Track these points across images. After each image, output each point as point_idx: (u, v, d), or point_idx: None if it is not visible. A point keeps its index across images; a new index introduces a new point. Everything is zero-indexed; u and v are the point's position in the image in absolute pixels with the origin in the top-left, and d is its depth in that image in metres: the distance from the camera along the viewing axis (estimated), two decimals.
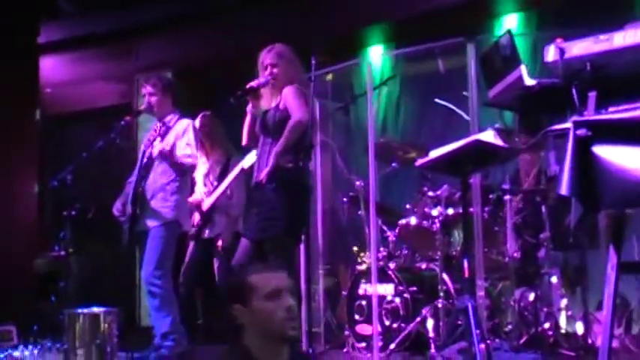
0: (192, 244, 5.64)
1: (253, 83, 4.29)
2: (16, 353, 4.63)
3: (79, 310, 4.32)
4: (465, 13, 6.11)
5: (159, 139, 4.72)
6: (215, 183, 5.52)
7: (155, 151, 4.71)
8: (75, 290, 5.82)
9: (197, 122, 5.53)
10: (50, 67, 7.88)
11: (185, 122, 4.85)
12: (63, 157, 7.24)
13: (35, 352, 4.45)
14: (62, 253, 5.74)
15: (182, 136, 4.74)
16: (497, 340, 4.47)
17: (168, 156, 4.66)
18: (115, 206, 4.86)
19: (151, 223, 4.69)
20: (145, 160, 4.79)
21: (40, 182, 6.81)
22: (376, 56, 6.68)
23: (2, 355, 4.37)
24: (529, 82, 3.07)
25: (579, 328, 4.27)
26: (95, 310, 4.32)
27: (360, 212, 5.37)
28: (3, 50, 6.32)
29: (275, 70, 4.18)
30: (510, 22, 6.10)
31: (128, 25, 7.54)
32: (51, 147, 7.66)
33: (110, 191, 5.15)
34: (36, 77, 7.01)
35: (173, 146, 4.68)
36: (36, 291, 6.25)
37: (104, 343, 4.20)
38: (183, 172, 4.76)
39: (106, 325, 4.25)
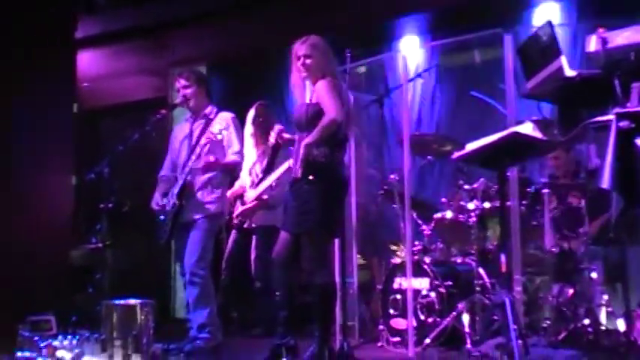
0: (233, 233, 5.68)
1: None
2: (56, 342, 4.67)
3: (116, 302, 4.36)
4: (502, 3, 6.01)
5: (199, 133, 4.75)
6: (260, 175, 5.50)
7: (196, 161, 4.69)
8: (111, 282, 5.88)
9: (251, 112, 5.55)
10: (87, 62, 7.97)
11: (227, 115, 4.85)
12: (99, 150, 7.33)
13: (74, 342, 4.49)
14: (99, 245, 5.80)
15: (227, 130, 4.74)
16: (534, 337, 4.40)
17: (214, 167, 4.69)
18: (154, 200, 4.86)
19: (195, 215, 4.70)
20: (187, 155, 4.77)
21: (76, 175, 6.88)
22: (411, 48, 6.61)
23: (43, 344, 4.42)
24: (569, 73, 3.02)
25: (620, 324, 4.18)
26: (131, 301, 4.35)
27: (394, 206, 5.33)
28: (41, 46, 6.39)
29: (308, 62, 4.13)
30: (548, 12, 5.98)
31: (163, 19, 7.58)
32: (87, 140, 7.75)
33: (146, 184, 5.18)
34: (73, 72, 7.09)
35: (219, 142, 4.67)
36: (73, 282, 6.33)
37: (140, 333, 4.24)
38: (236, 170, 4.85)
39: (142, 316, 4.28)
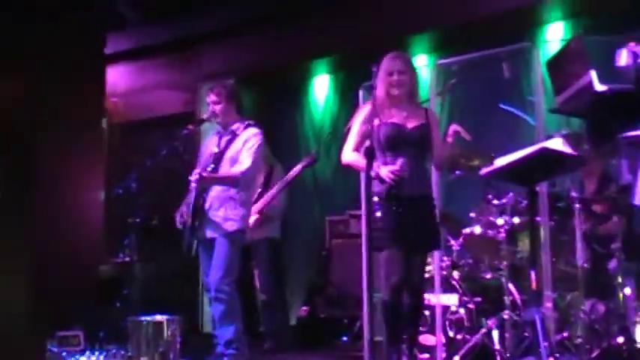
0: None
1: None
2: (83, 358, 4.71)
3: (143, 318, 4.37)
4: (521, 19, 6.02)
5: (223, 148, 4.72)
6: (259, 190, 5.59)
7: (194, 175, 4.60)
8: (139, 296, 5.91)
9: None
10: (116, 77, 8.05)
11: (252, 131, 4.79)
12: (128, 164, 7.39)
13: (101, 357, 4.52)
14: (127, 259, 5.84)
15: (243, 145, 4.70)
16: (566, 354, 4.32)
17: (208, 180, 4.62)
18: (178, 212, 4.83)
19: (215, 233, 4.64)
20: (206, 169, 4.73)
21: (106, 190, 6.94)
22: (434, 63, 6.57)
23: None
24: (599, 87, 2.97)
25: None
26: (158, 317, 4.36)
27: None
28: (72, 62, 6.46)
29: (403, 78, 4.04)
30: (571, 27, 5.96)
31: (191, 34, 7.64)
32: (116, 155, 7.82)
33: (174, 199, 5.19)
34: (103, 87, 7.14)
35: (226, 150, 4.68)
36: (101, 297, 6.36)
37: (167, 350, 4.26)
38: (237, 184, 4.66)
39: (169, 332, 4.30)
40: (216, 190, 4.69)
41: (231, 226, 4.63)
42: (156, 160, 5.07)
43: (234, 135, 4.77)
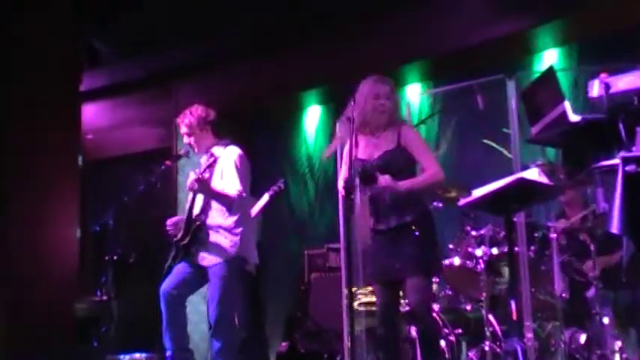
0: None
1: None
2: None
3: (121, 357, 4.30)
4: (504, 49, 6.07)
5: (207, 171, 4.47)
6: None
7: (189, 184, 4.40)
8: (116, 335, 5.81)
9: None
10: (91, 113, 8.02)
11: (233, 151, 4.57)
12: (104, 201, 7.33)
13: None
14: (103, 297, 5.75)
15: (227, 165, 4.47)
16: None
17: (200, 189, 4.37)
18: (168, 221, 4.56)
19: (212, 260, 4.41)
20: (192, 195, 4.51)
21: (81, 227, 6.87)
22: (414, 94, 6.65)
23: None
24: (573, 118, 3.01)
25: None
26: (137, 355, 4.30)
27: None
28: (46, 99, 6.44)
29: (389, 104, 3.89)
30: (550, 57, 6.04)
31: (166, 69, 7.65)
32: (92, 191, 7.75)
33: (150, 235, 5.15)
34: (78, 124, 7.11)
35: (204, 171, 4.40)
36: (77, 336, 6.25)
37: None
38: (230, 204, 4.44)
39: None
40: (213, 216, 4.47)
41: (229, 250, 4.40)
42: (132, 196, 5.02)
43: (214, 157, 4.53)
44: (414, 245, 3.84)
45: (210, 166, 4.49)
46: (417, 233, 3.85)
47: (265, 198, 5.72)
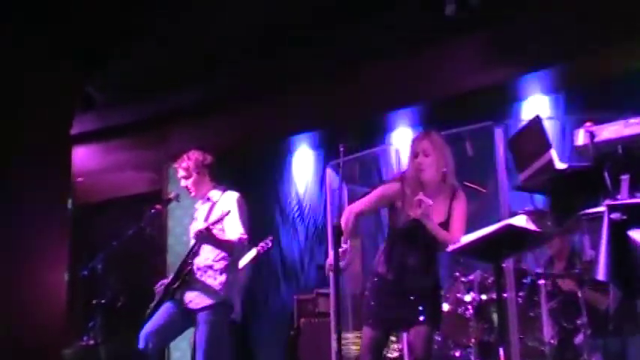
0: None
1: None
2: None
3: None
4: (493, 97, 6.16)
5: (203, 217, 4.47)
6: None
7: (192, 232, 4.39)
8: None
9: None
10: (82, 157, 8.04)
11: (232, 195, 4.55)
12: (94, 245, 7.29)
13: None
14: (91, 342, 5.68)
15: (228, 210, 4.34)
16: None
17: (205, 236, 4.30)
18: (159, 284, 4.57)
19: (198, 304, 4.35)
20: (195, 243, 4.47)
21: (70, 271, 6.82)
22: (404, 140, 6.71)
23: None
24: (560, 165, 3.06)
25: None
26: None
27: None
28: (37, 142, 6.45)
29: (428, 160, 3.80)
30: (538, 105, 6.13)
31: (158, 114, 7.70)
32: (82, 235, 7.72)
33: (140, 279, 5.13)
34: (68, 168, 7.12)
35: (216, 222, 4.30)
36: None
37: None
38: (232, 250, 4.42)
39: None
40: (203, 258, 4.43)
41: (215, 294, 4.35)
42: (122, 240, 4.99)
43: (212, 202, 4.54)
44: (426, 298, 3.81)
45: (208, 214, 4.47)
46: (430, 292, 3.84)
47: (253, 252, 5.75)
